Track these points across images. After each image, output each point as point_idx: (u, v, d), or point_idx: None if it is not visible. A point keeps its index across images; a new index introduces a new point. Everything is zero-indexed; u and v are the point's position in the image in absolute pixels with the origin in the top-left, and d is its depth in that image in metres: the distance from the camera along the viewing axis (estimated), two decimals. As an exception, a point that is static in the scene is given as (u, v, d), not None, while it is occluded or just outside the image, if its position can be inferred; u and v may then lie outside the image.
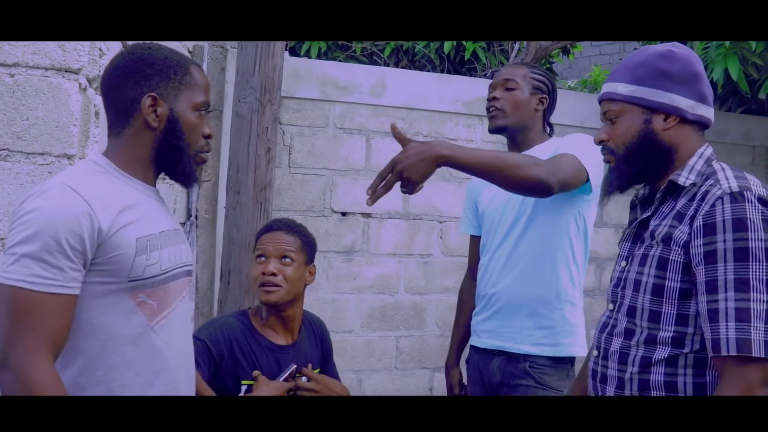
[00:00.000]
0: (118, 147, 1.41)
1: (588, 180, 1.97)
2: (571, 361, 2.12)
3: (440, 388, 4.36)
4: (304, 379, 1.91)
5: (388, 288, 4.23)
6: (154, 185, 1.46)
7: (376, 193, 1.67)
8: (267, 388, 1.82)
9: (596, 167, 1.97)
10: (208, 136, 1.47)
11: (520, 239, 2.12)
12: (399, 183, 1.67)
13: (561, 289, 2.10)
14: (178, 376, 1.43)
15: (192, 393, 1.50)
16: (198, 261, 3.85)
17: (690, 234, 1.33)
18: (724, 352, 1.25)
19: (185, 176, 1.45)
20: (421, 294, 4.29)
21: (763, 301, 1.25)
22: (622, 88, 1.45)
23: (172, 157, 1.42)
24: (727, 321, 1.26)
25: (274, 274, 1.85)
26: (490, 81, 2.26)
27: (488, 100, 2.21)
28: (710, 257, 1.29)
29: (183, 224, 3.78)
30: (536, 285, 2.10)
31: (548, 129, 2.24)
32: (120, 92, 1.39)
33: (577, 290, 2.15)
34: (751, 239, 1.26)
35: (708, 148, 1.46)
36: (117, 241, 1.30)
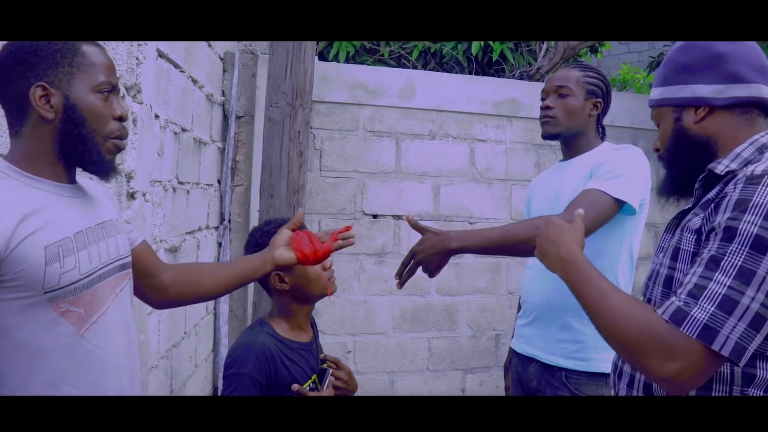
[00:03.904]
0: (18, 147, 1.29)
1: (626, 202, 1.93)
2: (605, 376, 2.05)
3: (472, 389, 4.37)
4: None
5: (420, 290, 4.25)
6: (71, 182, 1.34)
7: (403, 278, 1.90)
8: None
9: (636, 185, 1.95)
10: (120, 118, 1.33)
11: None
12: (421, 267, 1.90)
13: None
14: (121, 378, 1.34)
15: (138, 392, 1.41)
16: (232, 264, 3.90)
17: (702, 219, 1.26)
18: (659, 312, 1.17)
19: (96, 166, 1.32)
20: (453, 295, 4.30)
21: (725, 284, 1.13)
22: (654, 93, 1.45)
23: (76, 147, 1.29)
24: (680, 293, 1.18)
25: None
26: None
27: (541, 108, 2.18)
28: (707, 237, 1.22)
29: (216, 228, 3.84)
30: (570, 298, 2.02)
31: (601, 132, 2.22)
32: (8, 89, 1.27)
33: None
34: (745, 221, 1.15)
35: (766, 135, 1.34)
36: (21, 253, 1.18)
